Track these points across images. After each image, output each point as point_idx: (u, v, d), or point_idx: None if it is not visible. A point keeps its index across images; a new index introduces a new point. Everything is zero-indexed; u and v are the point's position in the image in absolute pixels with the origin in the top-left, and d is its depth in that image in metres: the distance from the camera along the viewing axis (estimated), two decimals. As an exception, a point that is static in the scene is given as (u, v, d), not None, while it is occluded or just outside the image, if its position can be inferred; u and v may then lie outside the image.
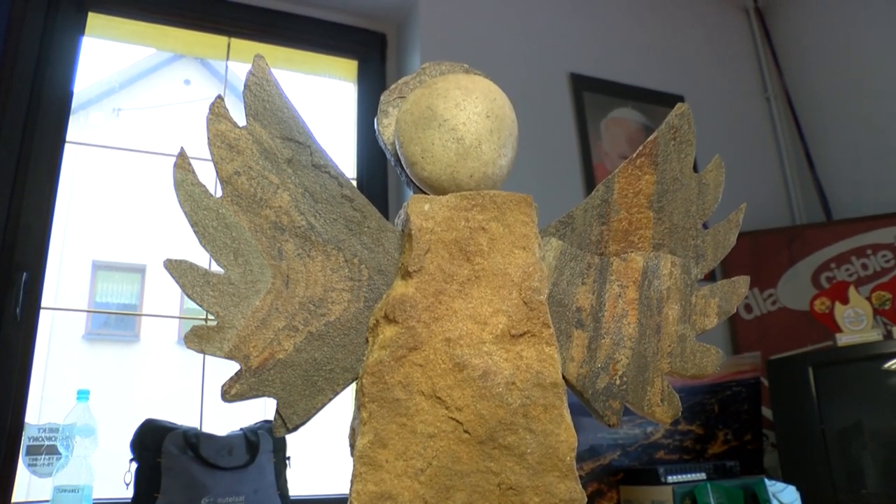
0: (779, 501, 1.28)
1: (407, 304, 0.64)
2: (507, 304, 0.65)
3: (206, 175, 0.67)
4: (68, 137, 1.65)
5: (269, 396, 0.63)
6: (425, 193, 0.72)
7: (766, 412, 1.68)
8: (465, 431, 0.62)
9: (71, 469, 1.19)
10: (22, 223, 1.52)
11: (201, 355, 0.63)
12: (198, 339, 0.62)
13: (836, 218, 2.17)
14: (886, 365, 1.44)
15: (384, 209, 1.90)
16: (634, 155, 0.75)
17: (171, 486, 1.24)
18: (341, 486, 1.51)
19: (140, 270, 6.13)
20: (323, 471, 2.07)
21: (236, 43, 1.94)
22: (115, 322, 6.07)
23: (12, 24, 1.62)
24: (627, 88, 2.16)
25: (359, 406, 0.63)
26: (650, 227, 0.74)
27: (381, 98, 0.79)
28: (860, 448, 1.45)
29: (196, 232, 0.64)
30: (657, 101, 2.17)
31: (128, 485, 1.27)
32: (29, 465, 1.27)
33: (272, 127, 0.68)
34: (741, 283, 0.75)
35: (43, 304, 1.52)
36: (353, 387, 0.66)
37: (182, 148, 0.66)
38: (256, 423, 1.44)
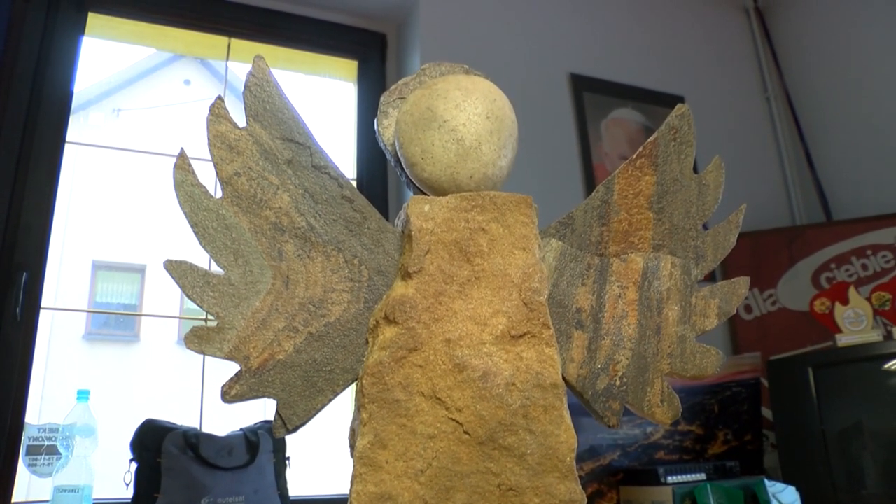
0: (779, 502, 1.28)
1: (407, 305, 0.64)
2: (507, 305, 0.65)
3: (206, 175, 0.67)
4: (68, 137, 1.65)
5: (269, 397, 0.63)
6: (425, 194, 0.72)
7: (766, 412, 1.68)
8: (465, 432, 0.62)
9: (71, 469, 1.19)
10: (22, 223, 1.53)
11: (201, 356, 0.63)
12: (198, 339, 0.62)
13: (836, 218, 2.17)
14: (886, 365, 1.44)
15: (384, 210, 1.90)
16: (634, 156, 0.75)
17: (171, 487, 1.24)
18: (341, 487, 1.51)
19: (140, 270, 6.13)
20: (323, 471, 2.07)
21: (236, 43, 1.94)
22: (115, 322, 6.07)
23: (13, 24, 1.62)
24: (627, 89, 2.16)
25: (359, 407, 0.63)
26: (650, 227, 0.74)
27: (381, 99, 0.79)
28: (860, 448, 1.45)
29: (196, 233, 0.64)
30: (657, 102, 2.17)
31: (128, 485, 1.27)
32: (29, 465, 1.27)
33: (272, 128, 0.68)
34: (741, 283, 0.75)
35: (43, 304, 1.52)
36: (353, 387, 0.66)
37: (182, 149, 0.66)
38: (256, 424, 1.44)
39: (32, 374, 1.48)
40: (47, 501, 1.20)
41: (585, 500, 0.63)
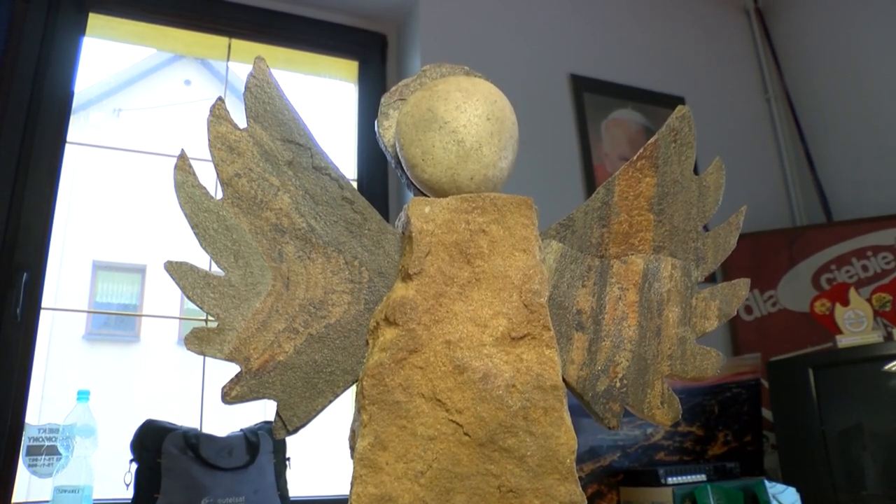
0: (779, 503, 1.28)
1: (407, 307, 0.64)
2: (507, 307, 0.65)
3: (207, 176, 0.67)
4: (69, 138, 1.65)
5: (269, 398, 0.63)
6: (426, 196, 0.72)
7: (767, 413, 1.68)
8: (466, 434, 0.62)
9: (71, 469, 1.19)
10: (22, 223, 1.53)
11: (201, 356, 0.64)
12: (198, 340, 0.62)
13: (836, 219, 2.17)
14: (887, 367, 1.44)
15: (384, 211, 1.89)
16: (635, 157, 0.75)
17: (171, 487, 1.24)
18: (341, 488, 1.51)
19: (140, 271, 6.13)
20: (323, 472, 2.07)
21: (237, 43, 1.94)
22: (115, 322, 6.07)
23: (13, 24, 1.62)
24: (628, 89, 2.16)
25: (359, 408, 0.63)
26: (650, 229, 0.74)
27: (382, 100, 0.79)
28: (860, 449, 1.44)
29: (197, 234, 0.64)
30: (657, 103, 2.17)
31: (128, 485, 1.27)
32: (29, 466, 1.27)
33: (273, 129, 0.68)
34: (741, 285, 0.75)
35: (43, 304, 1.52)
36: (353, 389, 0.66)
37: (183, 150, 0.66)
38: (256, 424, 1.44)
39: (32, 374, 1.48)
40: (47, 502, 1.20)
41: (585, 502, 0.63)
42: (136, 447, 1.29)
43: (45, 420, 1.31)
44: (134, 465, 1.28)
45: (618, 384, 0.70)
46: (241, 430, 1.41)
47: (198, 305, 0.63)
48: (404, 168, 0.73)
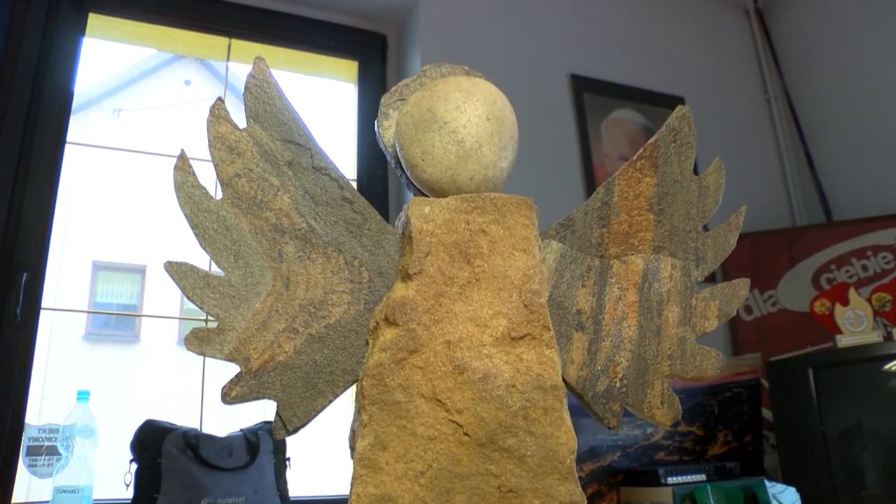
0: (779, 503, 1.28)
1: (407, 307, 0.64)
2: (507, 307, 0.65)
3: (207, 177, 0.67)
4: (69, 138, 1.65)
5: (269, 399, 0.63)
6: (426, 196, 0.72)
7: (767, 413, 1.68)
8: (466, 434, 0.62)
9: (71, 470, 1.19)
10: (22, 223, 1.53)
11: (201, 357, 0.64)
12: (198, 340, 0.62)
13: (836, 219, 2.17)
14: (887, 366, 1.44)
15: (384, 211, 1.89)
16: (635, 157, 0.75)
17: (171, 487, 1.24)
18: (341, 488, 1.51)
19: (140, 271, 6.13)
20: (323, 472, 2.07)
21: (237, 44, 1.94)
22: (115, 322, 6.07)
23: (13, 24, 1.62)
24: (628, 89, 2.16)
25: (359, 408, 0.63)
26: (650, 229, 0.74)
27: (382, 100, 0.79)
28: (860, 449, 1.44)
29: (196, 234, 0.64)
30: (657, 103, 2.17)
31: (128, 485, 1.27)
32: (29, 466, 1.27)
33: (273, 129, 0.68)
34: (741, 285, 0.75)
35: (43, 304, 1.52)
36: (353, 389, 0.66)
37: (182, 150, 0.66)
38: (256, 424, 1.44)
39: (32, 374, 1.48)
40: (47, 502, 1.20)
41: (585, 502, 0.63)
42: (135, 447, 1.29)
43: (45, 420, 1.31)
44: (134, 466, 1.28)
45: (618, 384, 0.70)
46: (241, 430, 1.41)
47: (198, 306, 0.63)
48: (404, 168, 0.73)
